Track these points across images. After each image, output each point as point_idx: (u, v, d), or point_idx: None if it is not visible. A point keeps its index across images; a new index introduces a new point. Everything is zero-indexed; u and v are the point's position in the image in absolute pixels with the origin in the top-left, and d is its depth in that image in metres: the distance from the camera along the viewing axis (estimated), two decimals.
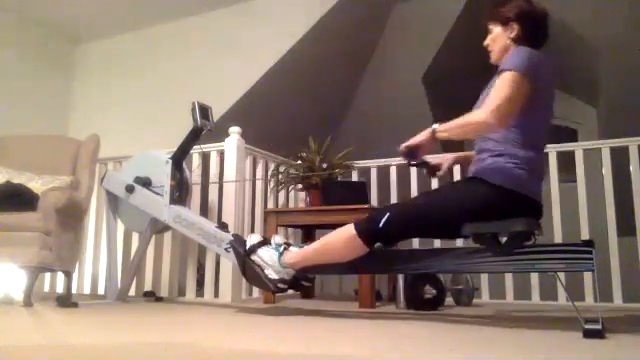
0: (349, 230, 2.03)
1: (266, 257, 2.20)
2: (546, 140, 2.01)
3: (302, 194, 3.60)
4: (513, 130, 1.88)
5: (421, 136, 2.01)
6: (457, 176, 3.26)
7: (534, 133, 1.92)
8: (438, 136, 1.96)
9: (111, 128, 4.65)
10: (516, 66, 1.82)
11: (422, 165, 2.24)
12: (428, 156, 2.17)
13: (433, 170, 2.28)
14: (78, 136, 3.52)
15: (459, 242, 3.34)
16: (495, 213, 1.87)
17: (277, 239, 2.27)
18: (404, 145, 2.05)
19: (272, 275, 2.17)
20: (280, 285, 2.17)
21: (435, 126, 1.97)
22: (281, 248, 2.21)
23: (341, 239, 2.06)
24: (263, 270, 2.19)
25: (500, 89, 1.82)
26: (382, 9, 5.16)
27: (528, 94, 1.82)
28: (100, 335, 1.74)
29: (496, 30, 2.04)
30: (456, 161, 2.33)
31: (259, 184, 3.48)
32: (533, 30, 1.99)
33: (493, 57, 2.07)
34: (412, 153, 2.05)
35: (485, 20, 2.09)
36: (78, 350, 1.42)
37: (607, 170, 3.10)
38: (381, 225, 1.97)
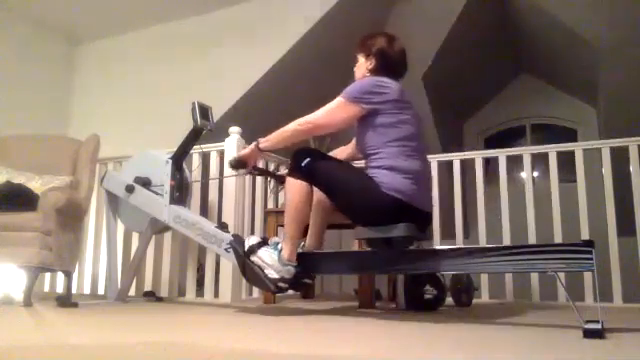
0: (288, 181, 2.25)
1: (266, 257, 2.20)
2: (426, 151, 2.29)
3: None
4: (392, 143, 2.13)
5: (246, 150, 2.40)
6: None
7: (413, 144, 2.16)
8: (262, 147, 2.33)
9: (111, 128, 4.65)
10: (347, 93, 2.19)
11: (265, 174, 2.76)
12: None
13: (281, 179, 2.60)
14: (78, 136, 3.52)
15: (459, 242, 3.35)
16: (385, 218, 2.10)
17: (275, 239, 2.29)
18: (232, 158, 2.43)
19: (273, 275, 2.17)
20: (281, 284, 2.18)
21: (259, 139, 2.34)
22: (279, 246, 2.21)
23: (289, 193, 2.24)
24: (263, 270, 2.19)
25: (322, 108, 2.23)
26: (382, 9, 5.16)
27: (357, 115, 2.18)
28: (100, 335, 1.74)
29: (360, 60, 2.37)
30: None
31: (259, 184, 3.48)
32: (387, 66, 2.30)
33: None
34: (241, 164, 2.41)
35: (354, 49, 2.40)
36: (78, 350, 1.42)
37: (607, 170, 3.10)
38: (303, 165, 2.19)
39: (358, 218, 2.22)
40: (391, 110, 2.15)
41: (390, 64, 2.31)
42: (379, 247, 2.20)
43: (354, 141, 2.46)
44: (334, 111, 2.21)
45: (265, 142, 2.32)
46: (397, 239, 2.13)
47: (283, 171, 2.60)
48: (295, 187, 2.21)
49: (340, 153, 2.56)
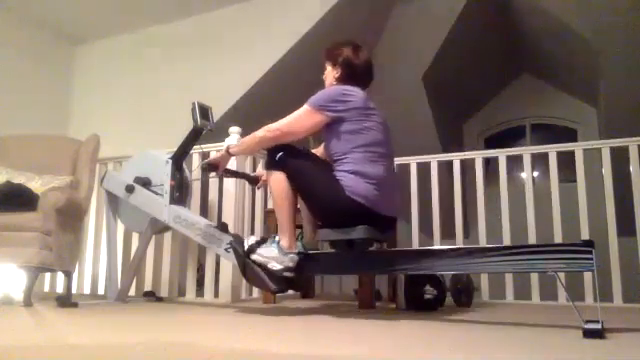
0: (268, 175, 2.31)
1: (266, 252, 2.21)
2: (392, 157, 2.35)
3: None
4: (357, 149, 2.18)
5: (217, 155, 2.52)
6: None
7: (379, 150, 2.22)
8: (231, 152, 2.44)
9: (111, 128, 4.65)
10: (312, 102, 2.26)
11: (238, 176, 2.79)
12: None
13: (254, 180, 2.72)
14: (78, 136, 3.52)
15: (459, 242, 3.35)
16: (347, 220, 2.15)
17: (273, 237, 2.29)
18: (204, 162, 2.52)
19: (277, 267, 2.18)
20: (287, 274, 2.18)
21: (229, 144, 2.46)
22: (277, 238, 2.24)
23: (273, 186, 2.28)
24: (267, 265, 2.19)
25: (289, 116, 2.29)
26: (382, 9, 5.16)
27: (323, 122, 2.24)
28: (100, 335, 1.74)
29: (328, 68, 2.44)
30: None
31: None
32: (353, 75, 2.36)
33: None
34: (213, 168, 2.51)
35: (323, 58, 2.47)
36: (78, 350, 1.42)
37: (607, 170, 3.10)
38: (277, 158, 2.26)
39: (322, 218, 2.27)
40: (356, 117, 2.21)
41: (355, 73, 2.37)
42: (342, 249, 2.26)
43: (320, 149, 2.53)
44: (300, 119, 2.27)
45: (235, 148, 2.44)
46: (357, 241, 2.18)
47: (259, 171, 2.66)
48: (277, 178, 2.25)
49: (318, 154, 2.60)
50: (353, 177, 2.15)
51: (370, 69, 2.42)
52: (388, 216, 2.24)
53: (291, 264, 2.19)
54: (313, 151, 2.57)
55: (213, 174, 2.59)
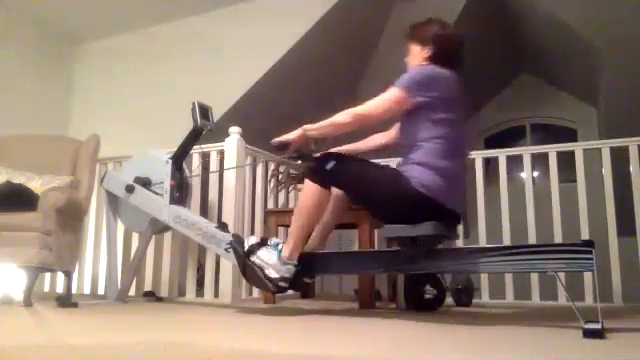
0: (306, 184, 2.20)
1: (266, 257, 2.20)
2: (466, 151, 2.24)
3: None
4: (433, 140, 2.04)
5: (292, 134, 2.25)
6: None
7: (454, 145, 2.07)
8: (309, 133, 2.21)
9: (111, 128, 4.65)
10: (401, 84, 2.07)
11: (302, 158, 2.46)
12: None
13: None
14: (78, 136, 3.52)
15: (459, 242, 3.35)
16: (412, 214, 2.03)
17: (274, 240, 2.29)
18: (276, 140, 2.29)
19: (273, 274, 2.17)
20: (281, 284, 2.17)
21: (306, 126, 2.22)
22: (279, 246, 2.21)
23: (305, 196, 2.19)
24: (264, 270, 2.19)
25: (377, 99, 2.10)
26: (382, 9, 5.16)
27: (409, 108, 2.06)
28: (100, 335, 1.74)
29: (414, 49, 2.24)
30: None
31: (259, 184, 3.48)
32: (445, 53, 2.17)
33: None
34: (283, 147, 2.30)
35: (404, 38, 2.29)
36: (78, 350, 1.42)
37: (607, 170, 3.10)
38: (328, 168, 2.14)
39: (386, 216, 2.16)
40: (442, 106, 2.05)
41: (449, 51, 2.18)
42: (406, 246, 2.11)
43: (394, 129, 2.39)
44: (389, 102, 2.08)
45: (313, 130, 2.21)
46: (424, 238, 2.06)
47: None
48: (311, 191, 2.17)
49: (376, 140, 2.51)
50: (422, 168, 2.02)
51: (463, 46, 2.23)
52: (453, 210, 2.09)
53: (288, 275, 2.17)
54: (367, 139, 2.50)
55: (285, 155, 2.40)
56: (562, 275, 2.27)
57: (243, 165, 3.14)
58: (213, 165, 3.31)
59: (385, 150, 2.54)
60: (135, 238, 3.30)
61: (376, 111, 2.11)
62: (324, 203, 2.21)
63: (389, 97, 2.08)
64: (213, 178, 3.31)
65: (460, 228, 3.33)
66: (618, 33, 4.42)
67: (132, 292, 3.24)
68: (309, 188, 2.18)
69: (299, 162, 2.54)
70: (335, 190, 2.27)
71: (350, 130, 2.16)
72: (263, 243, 2.27)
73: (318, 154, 2.27)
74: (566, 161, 3.35)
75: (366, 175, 2.14)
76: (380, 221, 2.22)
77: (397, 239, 2.17)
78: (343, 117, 2.15)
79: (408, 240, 2.10)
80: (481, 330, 1.88)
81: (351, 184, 2.18)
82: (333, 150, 2.46)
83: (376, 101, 2.11)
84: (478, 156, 3.45)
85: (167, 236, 3.33)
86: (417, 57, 2.22)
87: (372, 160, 2.30)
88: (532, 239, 3.15)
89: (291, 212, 3.21)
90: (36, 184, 3.01)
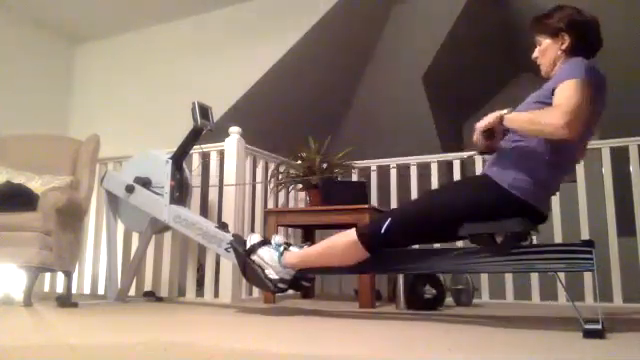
0: (351, 235, 2.04)
1: (266, 257, 2.20)
2: (571, 169, 1.95)
3: (302, 194, 3.60)
4: (548, 152, 1.81)
5: (492, 117, 1.91)
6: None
7: (565, 159, 1.86)
8: (505, 123, 1.87)
9: (111, 128, 4.65)
10: (579, 73, 1.73)
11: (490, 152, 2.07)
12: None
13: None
14: (78, 136, 3.52)
15: (459, 242, 3.34)
16: (496, 214, 1.87)
17: (277, 239, 2.27)
18: (483, 125, 1.93)
19: (272, 275, 2.17)
20: (280, 285, 2.17)
21: (504, 112, 1.88)
22: (281, 248, 2.21)
23: (343, 244, 2.07)
24: (263, 270, 2.19)
25: (569, 96, 1.69)
26: (382, 9, 5.16)
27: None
28: (100, 335, 1.74)
29: (545, 42, 1.97)
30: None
31: (259, 184, 3.48)
32: (585, 40, 1.90)
33: (543, 70, 2.01)
34: (489, 134, 1.95)
35: (531, 32, 2.02)
36: (78, 350, 1.42)
37: (607, 170, 3.10)
38: (383, 231, 1.97)
39: (469, 221, 1.92)
40: (595, 103, 1.77)
41: (589, 38, 1.91)
42: (485, 245, 1.92)
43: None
44: (585, 94, 1.70)
45: (511, 121, 1.85)
46: (509, 235, 1.88)
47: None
48: (353, 248, 2.01)
49: None
50: (516, 175, 1.82)
51: (600, 30, 1.92)
52: (542, 212, 1.89)
53: (287, 277, 2.17)
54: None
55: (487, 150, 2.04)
56: (562, 275, 2.27)
57: (242, 184, 3.14)
58: (213, 166, 3.31)
59: None
60: (135, 238, 3.30)
61: (582, 106, 1.69)
62: (357, 262, 2.05)
63: (580, 87, 1.70)
64: (213, 178, 3.31)
65: None
66: (618, 33, 4.42)
67: (132, 292, 3.24)
68: (352, 243, 2.01)
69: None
70: None
71: (555, 137, 1.73)
72: (265, 242, 2.27)
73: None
74: None
75: (431, 209, 1.96)
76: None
77: (474, 237, 1.96)
78: (556, 119, 1.69)
79: (485, 237, 1.91)
80: (481, 330, 1.88)
81: (419, 230, 1.99)
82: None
83: (571, 96, 1.69)
84: (478, 156, 3.45)
85: (167, 236, 3.33)
86: (552, 49, 1.95)
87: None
88: (532, 239, 3.15)
89: (291, 212, 3.23)
90: (36, 184, 3.01)
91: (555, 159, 1.83)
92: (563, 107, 1.69)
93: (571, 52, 1.90)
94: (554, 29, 1.94)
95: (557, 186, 1.95)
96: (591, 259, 1.74)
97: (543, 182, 1.84)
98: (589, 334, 1.59)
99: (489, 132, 1.95)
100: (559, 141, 1.75)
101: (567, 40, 1.91)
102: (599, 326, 1.61)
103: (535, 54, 2.03)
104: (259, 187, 3.48)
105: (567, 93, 1.71)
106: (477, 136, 1.98)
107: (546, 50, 1.98)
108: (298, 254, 2.17)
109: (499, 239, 1.93)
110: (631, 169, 3.06)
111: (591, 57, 1.88)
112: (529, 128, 1.80)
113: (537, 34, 2.02)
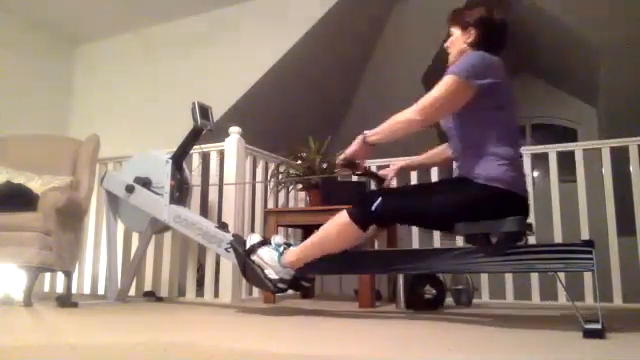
0: (343, 217, 2.07)
1: (266, 257, 2.20)
2: (519, 136, 2.08)
3: (302, 194, 3.60)
4: (490, 129, 1.95)
5: (355, 145, 2.10)
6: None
7: (510, 130, 1.99)
8: (369, 141, 2.05)
9: (111, 128, 4.65)
10: (459, 71, 1.93)
11: (369, 175, 2.41)
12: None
13: (380, 181, 2.41)
14: (78, 136, 3.52)
15: (459, 242, 3.34)
16: (486, 212, 1.91)
17: (277, 239, 2.27)
18: (341, 157, 2.14)
19: (272, 275, 2.17)
20: (280, 285, 2.17)
21: (365, 132, 2.07)
22: (281, 248, 2.21)
23: (336, 227, 2.08)
24: (263, 270, 2.19)
25: (434, 90, 1.96)
26: (382, 9, 5.16)
27: (470, 96, 1.92)
28: (100, 335, 1.74)
29: (456, 33, 2.14)
30: (404, 169, 2.48)
31: (259, 184, 3.48)
32: (490, 38, 2.06)
33: (450, 59, 2.15)
34: (352, 163, 2.14)
35: (448, 22, 2.18)
36: (78, 350, 1.42)
37: (607, 170, 3.10)
38: (373, 208, 2.01)
39: (460, 221, 1.99)
40: (495, 91, 1.93)
41: (494, 35, 2.06)
42: (481, 245, 1.98)
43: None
44: (452, 93, 1.93)
45: (374, 135, 2.04)
46: (506, 235, 1.94)
47: (383, 172, 2.40)
48: (346, 229, 2.05)
49: (443, 151, 2.37)
50: (482, 162, 1.92)
51: (507, 31, 2.09)
52: (524, 197, 1.98)
53: (287, 277, 2.17)
54: (431, 152, 2.39)
55: (358, 172, 2.25)
56: (562, 275, 2.27)
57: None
58: (213, 166, 3.31)
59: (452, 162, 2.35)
60: (135, 238, 3.30)
61: (442, 103, 1.94)
62: (353, 243, 2.10)
63: (450, 86, 1.93)
64: (213, 178, 3.31)
65: None
66: (618, 33, 4.42)
67: (132, 292, 3.24)
68: (344, 224, 2.05)
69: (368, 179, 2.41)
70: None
71: (417, 129, 1.98)
72: (265, 243, 2.27)
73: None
74: (566, 161, 3.35)
75: (421, 200, 2.04)
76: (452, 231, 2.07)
77: (469, 237, 2.05)
78: (407, 115, 1.98)
79: (481, 237, 1.97)
80: (481, 330, 1.88)
81: (405, 215, 2.07)
82: (392, 168, 2.41)
83: (437, 92, 1.94)
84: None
85: (167, 236, 3.33)
86: (459, 41, 2.11)
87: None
88: (532, 239, 3.15)
89: (291, 212, 3.23)
90: (36, 184, 3.01)
91: (506, 138, 1.95)
92: (420, 103, 1.97)
93: (476, 47, 2.05)
94: (465, 23, 2.10)
95: (522, 164, 2.03)
96: (591, 259, 1.74)
97: (508, 158, 1.92)
98: (589, 334, 1.59)
99: (353, 164, 2.15)
100: (497, 123, 1.95)
101: (473, 35, 2.07)
102: (599, 326, 1.61)
103: (447, 43, 2.18)
104: (259, 187, 3.49)
105: (436, 87, 1.96)
106: (341, 163, 2.16)
107: (455, 41, 2.13)
108: (295, 251, 2.17)
109: (494, 239, 1.97)
110: (631, 169, 3.06)
111: (494, 53, 2.00)
112: (392, 131, 2.02)
113: (451, 25, 2.17)
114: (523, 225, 1.90)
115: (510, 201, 1.91)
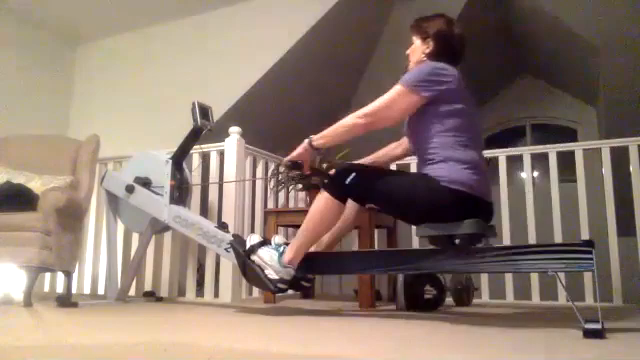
0: (322, 195, 2.14)
1: (266, 257, 2.20)
2: (482, 141, 2.18)
3: (302, 194, 3.60)
4: (451, 134, 2.02)
5: (300, 148, 2.21)
6: None
7: (472, 135, 2.06)
8: (315, 145, 2.16)
9: (111, 128, 4.66)
10: (406, 81, 2.05)
11: (317, 174, 2.49)
12: None
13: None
14: (78, 136, 3.52)
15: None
16: (448, 214, 1.98)
17: (277, 239, 2.27)
18: (287, 159, 2.24)
19: (272, 275, 2.17)
20: (280, 285, 2.17)
21: (311, 136, 2.18)
22: (281, 248, 2.21)
23: (318, 208, 2.14)
24: (263, 270, 2.19)
25: (381, 98, 2.07)
26: (382, 9, 5.16)
27: (416, 104, 2.05)
28: (100, 335, 1.74)
29: (416, 43, 2.23)
30: None
31: (259, 184, 3.48)
32: (446, 50, 2.16)
33: (410, 66, 2.24)
34: (297, 166, 2.23)
35: (410, 30, 2.27)
36: (78, 350, 1.42)
37: (607, 170, 3.10)
38: (347, 182, 2.08)
39: (420, 221, 2.08)
40: (449, 99, 2.03)
41: (449, 48, 2.16)
42: (443, 246, 2.04)
43: (404, 138, 2.37)
44: (395, 101, 2.05)
45: (319, 139, 2.16)
46: (464, 237, 1.99)
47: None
48: (325, 204, 2.11)
49: (393, 150, 2.48)
50: (445, 164, 1.99)
51: (464, 45, 2.21)
52: (488, 201, 2.07)
53: (287, 277, 2.17)
54: (383, 150, 2.48)
55: (297, 173, 2.37)
56: (562, 275, 2.27)
57: (242, 180, 3.14)
58: (213, 166, 3.31)
59: (402, 158, 2.53)
60: (135, 238, 3.31)
61: (385, 111, 2.06)
62: (336, 217, 2.16)
63: (395, 95, 2.05)
64: (213, 178, 3.31)
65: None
66: (618, 33, 4.42)
67: (132, 292, 3.24)
68: (323, 201, 2.12)
69: (314, 178, 2.49)
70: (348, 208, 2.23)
71: (361, 133, 2.10)
72: (264, 242, 2.27)
73: (333, 169, 2.23)
74: (566, 161, 3.35)
75: (391, 184, 2.09)
76: (413, 224, 2.17)
77: (431, 239, 2.09)
78: (351, 120, 2.10)
79: (444, 240, 2.03)
80: (481, 330, 1.88)
81: (374, 196, 2.12)
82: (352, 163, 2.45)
83: (381, 101, 2.07)
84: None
85: (167, 236, 3.34)
86: (418, 51, 2.21)
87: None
88: (532, 239, 3.15)
89: (291, 212, 3.23)
90: (36, 184, 3.01)
91: (466, 142, 2.02)
92: (365, 108, 2.08)
93: (434, 57, 2.15)
94: (424, 34, 2.20)
95: (484, 167, 2.08)
96: (591, 259, 1.74)
97: (471, 162, 1.99)
98: (589, 334, 1.59)
99: (297, 165, 2.24)
100: (456, 128, 2.02)
101: (431, 47, 2.17)
102: (599, 326, 1.61)
103: (408, 51, 2.26)
104: (259, 188, 3.48)
105: (385, 97, 2.07)
106: (287, 165, 2.26)
107: (415, 50, 2.23)
108: (290, 247, 2.18)
109: (457, 240, 2.02)
110: (631, 169, 3.06)
111: (452, 64, 2.11)
112: (337, 134, 2.13)
113: (413, 34, 2.25)
114: (481, 227, 1.96)
115: (473, 204, 1.99)
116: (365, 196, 2.14)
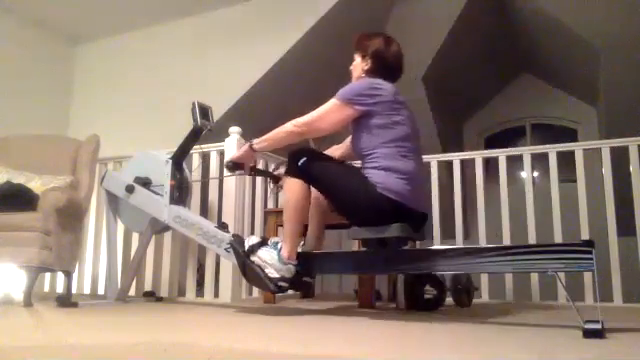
0: (287, 181, 2.24)
1: (266, 257, 2.20)
2: (420, 152, 2.29)
3: None
4: (391, 145, 2.14)
5: (241, 151, 2.40)
6: None
7: (411, 145, 2.18)
8: (255, 148, 2.33)
9: (111, 128, 4.65)
10: (341, 95, 2.20)
11: (261, 174, 2.72)
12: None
13: (277, 179, 2.64)
14: (78, 136, 3.52)
15: (459, 242, 3.35)
16: (381, 218, 2.10)
17: (275, 239, 2.28)
18: (227, 160, 2.42)
19: (273, 274, 2.18)
20: (281, 284, 2.18)
21: (253, 140, 2.34)
22: (279, 245, 2.21)
23: (288, 192, 2.23)
24: (263, 270, 2.19)
25: (317, 110, 2.23)
26: (382, 9, 5.16)
27: (349, 117, 2.20)
28: (100, 335, 1.74)
29: (357, 59, 2.37)
30: None
31: (259, 184, 3.48)
32: (383, 68, 2.30)
33: (352, 81, 2.37)
34: (237, 166, 2.41)
35: (353, 47, 2.39)
36: (78, 350, 1.42)
37: (607, 170, 3.10)
38: (299, 164, 2.19)
39: (353, 218, 2.22)
40: (385, 112, 2.16)
41: (386, 66, 2.31)
42: (374, 247, 2.20)
43: (348, 141, 2.47)
44: (329, 113, 2.22)
45: (259, 143, 2.33)
46: (391, 239, 2.14)
47: (281, 170, 2.61)
48: (294, 186, 2.21)
49: (333, 152, 2.57)
50: (383, 173, 2.11)
51: (401, 63, 2.35)
52: (420, 212, 2.20)
53: (288, 275, 2.18)
54: (326, 152, 2.55)
55: (239, 172, 2.50)
56: (562, 275, 2.27)
57: (239, 175, 3.13)
58: (213, 166, 3.31)
59: (343, 161, 2.58)
60: (135, 238, 3.30)
61: (318, 121, 2.22)
62: (306, 197, 2.23)
63: (328, 107, 2.21)
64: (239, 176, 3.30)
65: (435, 228, 3.36)
66: (618, 33, 4.42)
67: (132, 292, 3.24)
68: (291, 184, 2.22)
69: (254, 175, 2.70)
70: (314, 190, 2.29)
71: (296, 140, 2.26)
72: (263, 243, 2.27)
73: (281, 168, 2.37)
74: (566, 161, 3.35)
75: (333, 176, 2.20)
76: (350, 222, 2.26)
77: (363, 241, 2.24)
78: (288, 128, 2.25)
79: (374, 242, 2.17)
80: (481, 330, 1.88)
81: (319, 183, 2.22)
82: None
83: (317, 112, 2.23)
84: (478, 156, 3.46)
85: (167, 236, 3.33)
86: (358, 68, 2.35)
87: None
88: (532, 239, 3.15)
89: None
90: (36, 184, 3.01)
91: (400, 148, 2.14)
92: (302, 118, 2.24)
93: (371, 74, 2.30)
94: (364, 52, 2.34)
95: (421, 176, 2.26)
96: (591, 259, 1.74)
97: (407, 173, 2.12)
98: (589, 334, 1.59)
99: (237, 166, 2.41)
100: (392, 140, 2.14)
101: (369, 64, 2.31)
102: (599, 326, 1.60)
103: (350, 67, 2.41)
104: (259, 188, 3.48)
105: (320, 109, 2.23)
106: (227, 165, 2.43)
107: (355, 67, 2.38)
108: (284, 242, 2.20)
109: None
110: (631, 169, 3.06)
111: (390, 80, 2.26)
112: (275, 140, 2.28)
113: (355, 51, 2.39)
114: (406, 231, 2.11)
115: (405, 213, 2.11)
116: (311, 182, 2.22)
